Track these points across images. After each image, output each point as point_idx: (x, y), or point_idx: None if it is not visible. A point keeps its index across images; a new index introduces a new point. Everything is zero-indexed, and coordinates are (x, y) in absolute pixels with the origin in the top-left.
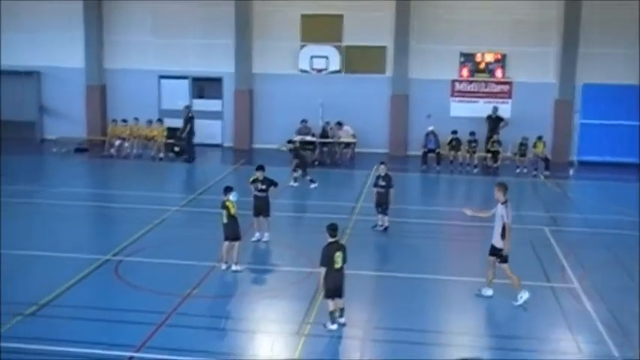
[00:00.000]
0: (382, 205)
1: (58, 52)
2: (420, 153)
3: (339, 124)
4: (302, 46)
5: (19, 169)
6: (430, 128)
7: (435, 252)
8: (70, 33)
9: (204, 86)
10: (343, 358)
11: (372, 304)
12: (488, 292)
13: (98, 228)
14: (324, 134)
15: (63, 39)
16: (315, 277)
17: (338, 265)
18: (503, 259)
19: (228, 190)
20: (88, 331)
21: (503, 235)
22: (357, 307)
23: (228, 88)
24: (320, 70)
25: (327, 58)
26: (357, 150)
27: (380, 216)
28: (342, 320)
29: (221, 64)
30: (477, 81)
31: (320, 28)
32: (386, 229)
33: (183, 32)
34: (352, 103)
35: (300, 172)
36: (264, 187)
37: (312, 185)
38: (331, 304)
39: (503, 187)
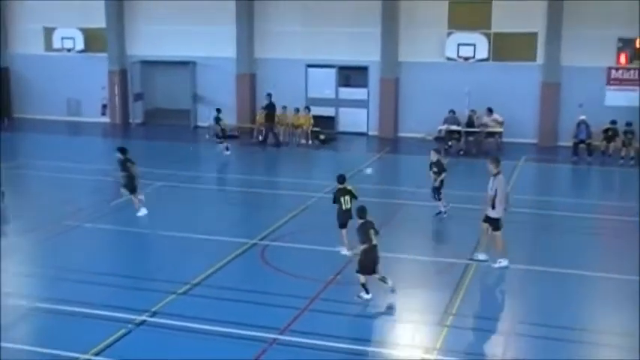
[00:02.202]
0: (434, 190)
1: (211, 43)
2: (570, 144)
3: (490, 110)
4: (449, 34)
5: (175, 155)
6: (581, 117)
7: (582, 246)
8: (223, 25)
9: (351, 75)
10: (486, 352)
11: (518, 298)
12: (481, 256)
13: (246, 212)
14: (470, 123)
15: (216, 31)
16: (456, 267)
17: (374, 242)
18: (496, 227)
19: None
20: (234, 312)
21: (493, 206)
22: (503, 300)
23: (374, 76)
24: (467, 58)
25: (474, 45)
26: (504, 140)
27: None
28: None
29: (367, 53)
30: (636, 68)
31: (468, 14)
32: (439, 213)
33: (330, 21)
34: (500, 91)
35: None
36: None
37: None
38: (362, 278)
39: (495, 159)
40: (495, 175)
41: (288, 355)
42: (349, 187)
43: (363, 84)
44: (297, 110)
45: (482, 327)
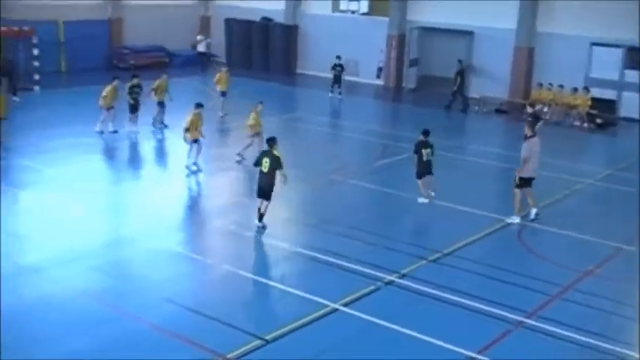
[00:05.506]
0: None
1: (492, 12)
2: None
3: None
4: None
5: (441, 123)
6: None
7: None
8: None
9: None
10: None
11: None
12: (533, 211)
13: (506, 189)
14: None
15: (498, 1)
16: None
17: (265, 170)
18: (518, 185)
19: None
20: (481, 287)
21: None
22: None
23: None
24: None
25: None
26: None
27: None
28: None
29: None
30: None
31: None
32: None
33: None
34: None
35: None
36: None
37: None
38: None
39: (530, 123)
40: (527, 138)
41: (532, 340)
42: (431, 142)
43: None
44: (574, 90)
45: None
